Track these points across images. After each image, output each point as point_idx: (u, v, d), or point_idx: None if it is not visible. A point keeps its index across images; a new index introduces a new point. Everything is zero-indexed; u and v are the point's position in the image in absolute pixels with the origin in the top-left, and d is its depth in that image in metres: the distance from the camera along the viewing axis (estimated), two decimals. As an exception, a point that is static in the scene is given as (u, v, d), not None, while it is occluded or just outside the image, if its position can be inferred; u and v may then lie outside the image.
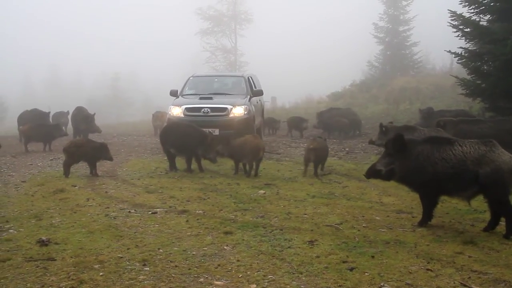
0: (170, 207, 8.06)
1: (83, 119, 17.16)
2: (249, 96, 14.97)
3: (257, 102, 15.97)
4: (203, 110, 13.87)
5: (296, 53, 65.45)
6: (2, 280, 5.00)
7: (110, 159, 11.09)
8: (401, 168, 6.93)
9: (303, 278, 5.05)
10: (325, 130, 18.65)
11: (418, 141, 7.15)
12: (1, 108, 51.47)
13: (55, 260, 5.59)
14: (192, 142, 11.19)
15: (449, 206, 7.95)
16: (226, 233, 6.58)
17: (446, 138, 7.40)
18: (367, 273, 5.15)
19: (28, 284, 4.94)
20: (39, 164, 12.76)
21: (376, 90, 31.66)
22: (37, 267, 5.39)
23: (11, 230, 6.78)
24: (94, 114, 17.58)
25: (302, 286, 4.85)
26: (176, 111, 14.13)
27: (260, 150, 10.63)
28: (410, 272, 5.20)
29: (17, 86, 63.95)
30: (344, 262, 5.47)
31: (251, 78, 16.61)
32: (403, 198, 8.61)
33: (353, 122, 18.71)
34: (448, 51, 16.26)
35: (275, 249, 5.91)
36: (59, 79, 69.95)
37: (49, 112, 19.45)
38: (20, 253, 5.83)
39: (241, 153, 10.70)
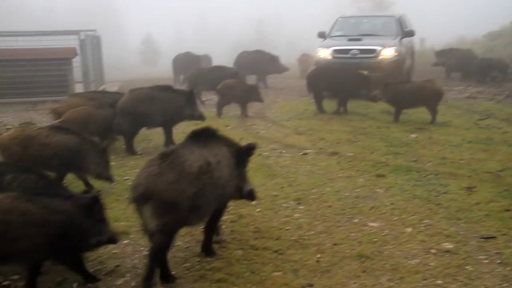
0: (320, 148, 8.12)
1: (270, 60, 17.39)
2: (399, 37, 14.40)
3: (408, 44, 15.32)
4: (351, 52, 13.61)
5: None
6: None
7: (261, 100, 11.32)
8: None
9: (462, 225, 4.88)
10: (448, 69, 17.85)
11: None
12: (154, 52, 54.27)
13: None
14: (348, 84, 11.11)
15: None
16: (378, 176, 6.52)
17: None
18: (533, 223, 4.86)
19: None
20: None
21: (539, 29, 28.95)
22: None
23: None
24: (278, 56, 17.69)
25: (461, 232, 4.70)
26: (324, 53, 14.01)
27: (441, 95, 10.14)
28: None
29: (168, 30, 66.81)
30: (507, 210, 5.19)
31: (401, 18, 15.92)
32: None
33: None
34: None
35: (431, 194, 5.76)
36: (208, 23, 72.03)
37: (202, 55, 20.16)
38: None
39: (415, 99, 10.15)
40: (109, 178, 6.01)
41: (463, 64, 17.54)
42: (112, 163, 6.46)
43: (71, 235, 3.63)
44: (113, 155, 7.79)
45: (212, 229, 4.40)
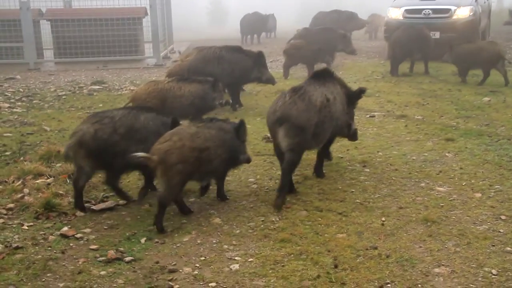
0: (388, 111, 7.99)
1: (349, 17, 17.10)
2: (475, -4, 13.78)
3: (484, 3, 14.66)
4: (424, 11, 13.14)
5: None
6: (235, 171, 5.40)
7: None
8: None
9: (536, 192, 4.72)
10: None
11: None
12: (222, 12, 54.18)
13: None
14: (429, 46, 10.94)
15: None
16: (448, 140, 6.37)
17: None
18: None
19: (258, 176, 5.35)
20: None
21: None
22: (264, 161, 5.80)
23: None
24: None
25: (533, 200, 4.55)
26: (395, 13, 13.64)
27: (500, 58, 9.77)
28: None
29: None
30: None
31: (478, -25, 15.20)
32: None
33: None
34: None
35: (502, 159, 5.59)
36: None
37: (270, 15, 20.07)
38: (249, 148, 6.28)
39: (474, 60, 9.88)
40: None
41: None
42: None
43: (235, 150, 4.58)
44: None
45: (323, 155, 5.36)
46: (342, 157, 5.84)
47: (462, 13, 12.96)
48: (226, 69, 8.02)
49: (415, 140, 6.42)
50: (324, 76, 5.12)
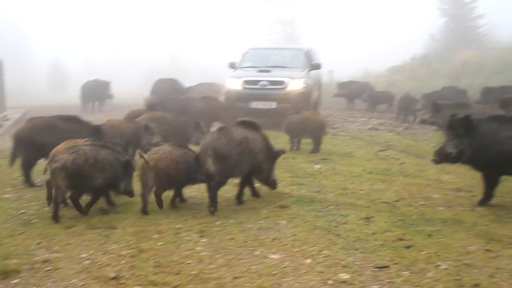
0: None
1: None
2: (307, 70, 14.87)
3: (315, 76, 15.85)
4: (260, 83, 13.88)
5: (355, 25, 63.98)
6: (67, 246, 5.22)
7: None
8: (470, 149, 6.70)
9: (359, 255, 5.04)
10: (348, 99, 20.07)
11: (483, 120, 6.93)
12: (63, 77, 52.72)
13: (116, 228, 5.79)
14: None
15: (510, 186, 7.73)
16: (282, 207, 6.62)
17: (510, 116, 7.19)
18: (424, 251, 5.09)
19: (91, 251, 5.15)
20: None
21: (437, 64, 30.81)
22: (99, 234, 5.60)
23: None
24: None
25: (357, 262, 4.85)
26: (234, 84, 14.21)
27: (324, 127, 10.54)
28: (469, 252, 5.11)
29: (79, 55, 65.21)
30: (400, 240, 5.42)
31: (309, 51, 16.47)
32: (462, 176, 8.41)
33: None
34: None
35: (331, 225, 5.92)
36: (120, 54, 70.72)
37: (110, 82, 19.87)
38: (83, 220, 6.07)
39: (301, 130, 10.61)
40: None
41: (360, 95, 19.66)
42: (7, 196, 6.22)
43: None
44: (9, 187, 7.54)
45: (244, 185, 6.90)
46: (180, 228, 5.82)
47: (295, 85, 13.86)
48: (60, 140, 7.68)
49: (252, 208, 6.61)
50: (248, 124, 6.83)
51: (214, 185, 6.32)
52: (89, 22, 71.42)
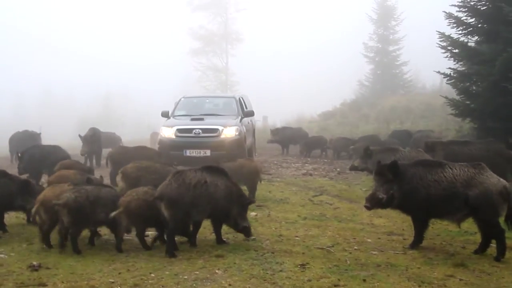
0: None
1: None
2: (240, 117, 15.04)
3: (248, 123, 16.04)
4: (194, 131, 13.91)
5: (287, 72, 65.53)
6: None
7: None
8: (399, 193, 6.93)
9: (295, 303, 5.05)
10: (281, 145, 20.30)
11: (410, 164, 7.21)
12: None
13: (47, 285, 5.57)
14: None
15: (440, 228, 8.00)
16: (218, 256, 6.57)
17: (436, 161, 7.51)
18: (358, 297, 5.16)
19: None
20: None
21: (366, 109, 31.84)
22: (28, 293, 5.37)
23: (1, 255, 6.73)
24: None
25: (294, 311, 4.86)
26: (168, 132, 14.17)
27: (258, 173, 10.58)
28: (402, 296, 5.22)
29: (7, 106, 63.41)
30: (335, 286, 5.48)
31: (242, 98, 16.69)
32: (394, 220, 8.65)
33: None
34: (437, 72, 16.49)
35: (267, 273, 5.92)
36: (51, 99, 69.22)
37: (40, 133, 19.35)
38: (11, 278, 5.80)
39: (236, 177, 10.55)
40: None
41: (294, 141, 20.16)
42: None
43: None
44: None
45: (216, 228, 7.16)
46: (113, 282, 5.66)
47: (229, 132, 13.98)
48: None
49: (187, 259, 6.51)
50: (212, 169, 7.01)
51: (170, 231, 6.62)
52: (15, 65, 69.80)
